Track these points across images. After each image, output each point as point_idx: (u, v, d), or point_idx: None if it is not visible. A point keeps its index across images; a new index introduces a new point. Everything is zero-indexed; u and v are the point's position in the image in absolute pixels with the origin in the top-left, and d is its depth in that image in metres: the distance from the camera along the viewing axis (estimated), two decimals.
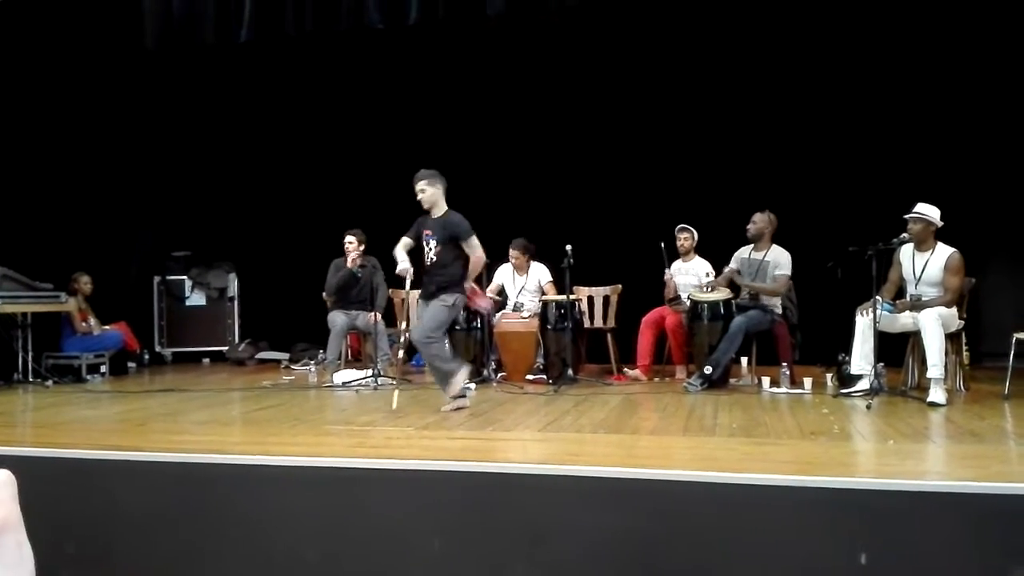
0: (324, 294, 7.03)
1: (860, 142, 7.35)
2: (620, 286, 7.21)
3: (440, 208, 4.99)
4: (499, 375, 6.67)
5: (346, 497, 3.35)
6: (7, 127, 7.03)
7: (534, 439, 4.18)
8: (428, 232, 4.97)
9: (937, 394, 4.88)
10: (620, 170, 7.98)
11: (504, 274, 7.15)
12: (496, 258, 6.98)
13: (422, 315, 4.99)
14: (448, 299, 4.92)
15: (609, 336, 6.97)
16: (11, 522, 1.00)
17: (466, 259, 5.03)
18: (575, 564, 3.06)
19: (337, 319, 6.84)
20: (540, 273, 7.03)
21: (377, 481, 3.36)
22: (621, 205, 7.86)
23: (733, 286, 6.31)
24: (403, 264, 4.94)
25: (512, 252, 6.97)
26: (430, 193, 4.92)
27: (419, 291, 5.20)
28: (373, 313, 6.77)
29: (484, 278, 6.56)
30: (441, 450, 3.84)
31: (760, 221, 6.23)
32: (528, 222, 7.45)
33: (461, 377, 4.93)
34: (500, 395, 5.84)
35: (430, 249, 4.95)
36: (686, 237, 6.71)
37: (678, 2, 7.12)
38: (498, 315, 6.83)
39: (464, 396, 5.03)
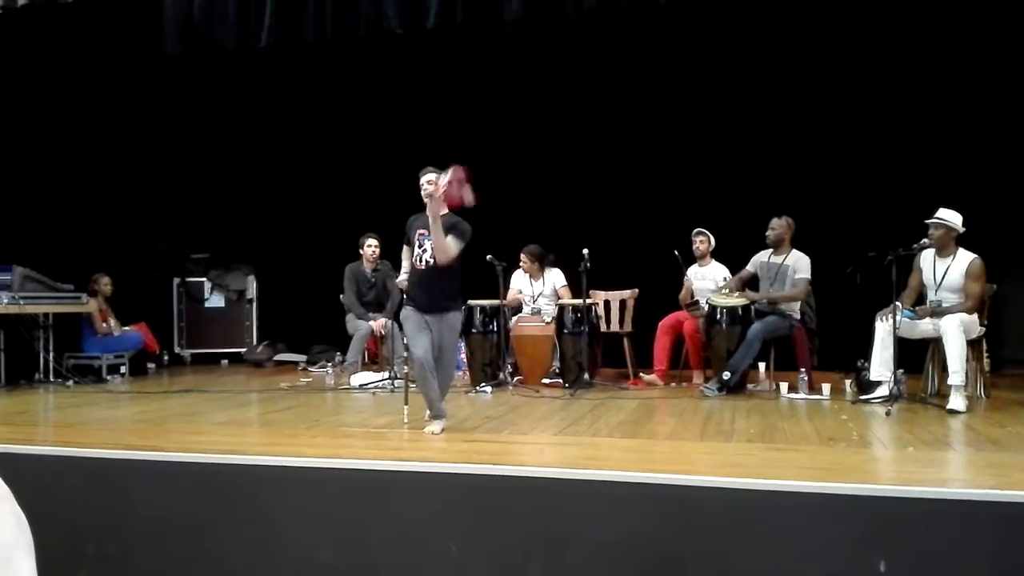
0: (342, 297, 7.07)
1: (881, 147, 7.30)
2: (637, 290, 7.21)
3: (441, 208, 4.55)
4: (515, 379, 6.66)
5: (362, 499, 3.37)
6: (29, 131, 7.13)
7: (550, 443, 4.18)
8: (424, 233, 4.45)
9: (957, 401, 4.84)
10: (637, 174, 7.96)
11: (520, 280, 7.16)
12: (514, 262, 6.99)
13: (438, 331, 4.44)
14: (460, 317, 4.69)
15: (626, 340, 6.95)
16: (2, 493, 1.02)
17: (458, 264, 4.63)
18: (591, 568, 3.06)
19: (360, 323, 6.88)
20: (555, 278, 7.04)
21: (394, 483, 3.37)
22: (638, 209, 7.84)
23: (751, 288, 6.29)
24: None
25: (522, 257, 6.99)
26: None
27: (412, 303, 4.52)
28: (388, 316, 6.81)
29: (501, 283, 6.56)
30: (457, 453, 3.85)
31: (778, 227, 6.20)
32: (545, 226, 7.46)
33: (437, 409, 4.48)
34: (516, 399, 5.85)
35: (424, 251, 4.45)
36: (702, 240, 6.68)
37: (696, 7, 7.10)
38: (514, 319, 6.84)
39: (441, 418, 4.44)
